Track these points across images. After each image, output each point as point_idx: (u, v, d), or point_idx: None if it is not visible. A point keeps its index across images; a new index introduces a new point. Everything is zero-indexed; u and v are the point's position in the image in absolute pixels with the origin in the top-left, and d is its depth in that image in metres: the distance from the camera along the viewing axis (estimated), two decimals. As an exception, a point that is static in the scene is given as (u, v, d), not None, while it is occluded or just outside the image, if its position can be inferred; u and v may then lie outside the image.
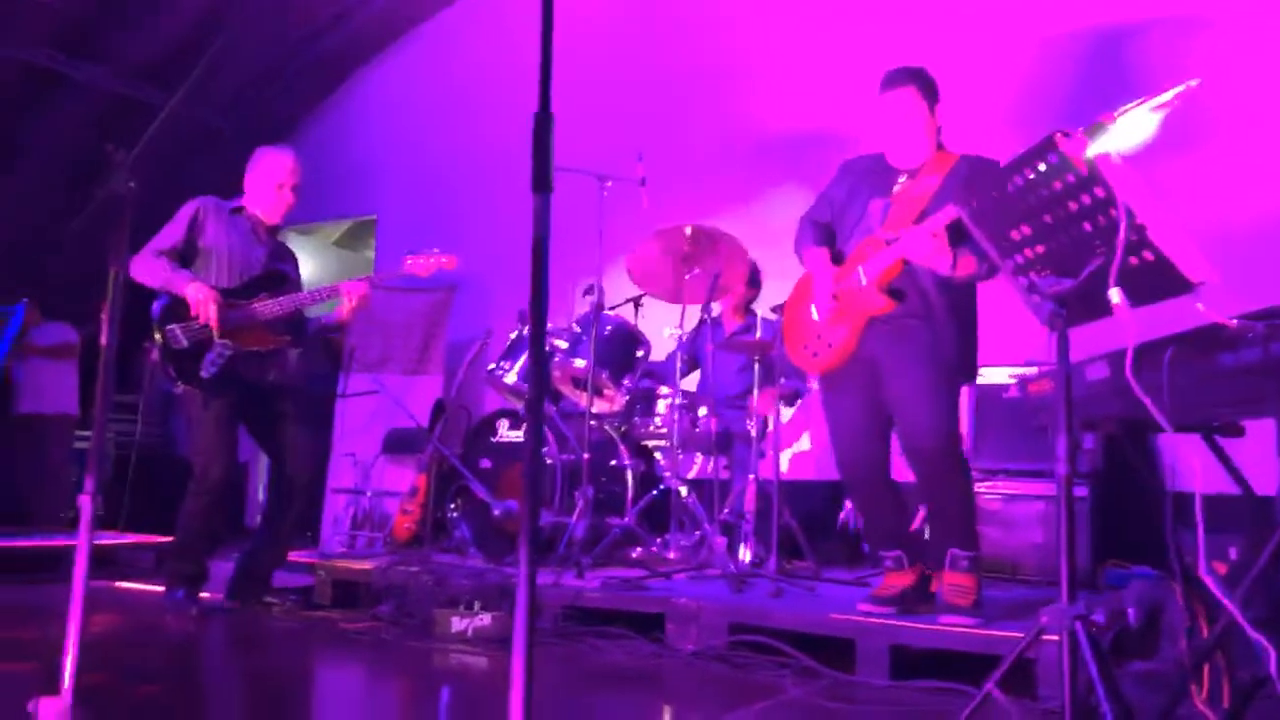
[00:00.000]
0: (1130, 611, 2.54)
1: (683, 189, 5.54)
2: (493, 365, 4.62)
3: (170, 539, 3.96)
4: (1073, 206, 1.78)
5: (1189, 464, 1.84)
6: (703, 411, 4.39)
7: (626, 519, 4.18)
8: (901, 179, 3.10)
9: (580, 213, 4.20)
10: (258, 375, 3.78)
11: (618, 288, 4.70)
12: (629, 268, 4.15)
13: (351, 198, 7.89)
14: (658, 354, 4.68)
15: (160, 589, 3.82)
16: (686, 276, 4.05)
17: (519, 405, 4.76)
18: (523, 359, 4.44)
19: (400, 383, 6.43)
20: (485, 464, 4.57)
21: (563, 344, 4.44)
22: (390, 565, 3.92)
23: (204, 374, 3.61)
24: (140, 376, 7.03)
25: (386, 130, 7.81)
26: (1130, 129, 1.83)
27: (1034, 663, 2.49)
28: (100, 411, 1.95)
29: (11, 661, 3.00)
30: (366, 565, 4.02)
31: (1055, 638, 1.74)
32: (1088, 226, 1.77)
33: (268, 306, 3.74)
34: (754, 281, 4.76)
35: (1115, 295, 1.71)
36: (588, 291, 4.34)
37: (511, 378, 4.51)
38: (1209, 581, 1.70)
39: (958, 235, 2.75)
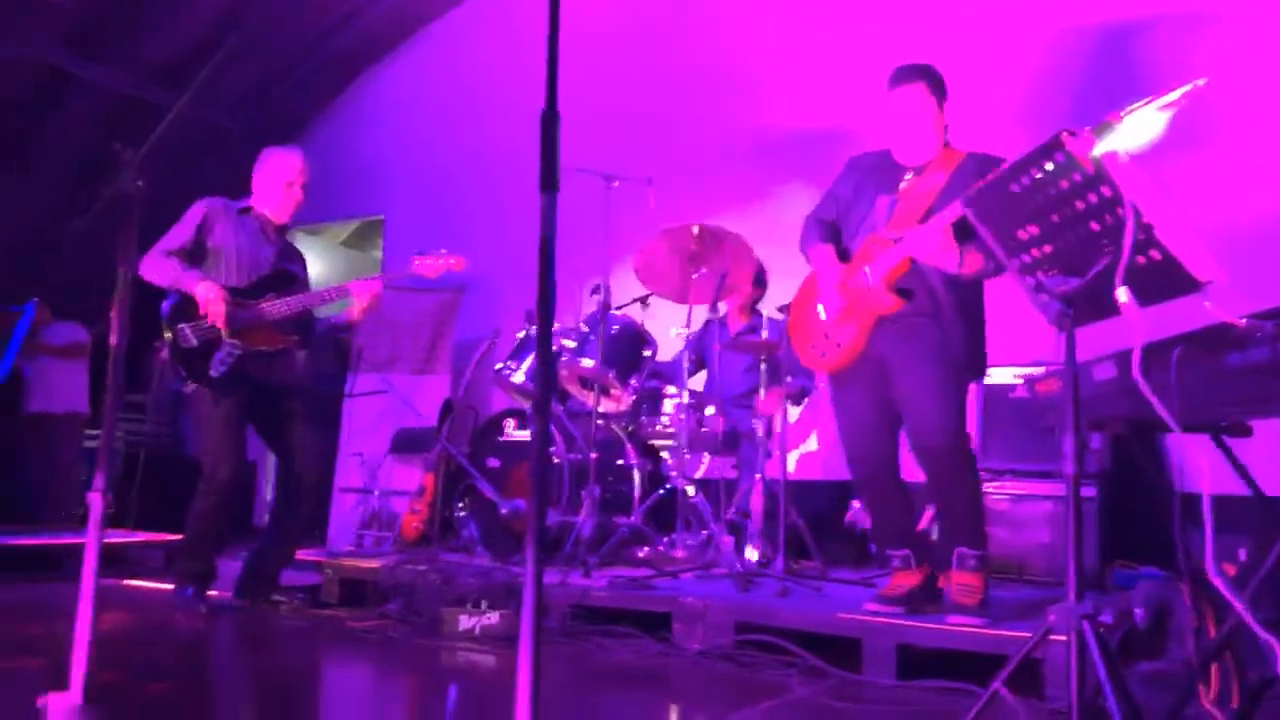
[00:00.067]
0: (1138, 611, 2.53)
1: (690, 188, 5.55)
2: (500, 365, 4.62)
3: (179, 537, 3.98)
4: (1080, 205, 1.78)
5: (1197, 464, 1.84)
6: (710, 411, 4.39)
7: (633, 518, 4.19)
8: (908, 176, 3.09)
9: (587, 212, 4.20)
10: (266, 375, 3.79)
11: (625, 287, 4.70)
12: (636, 267, 4.16)
13: (359, 198, 7.91)
14: (665, 354, 4.68)
15: (169, 587, 3.84)
16: (694, 276, 4.05)
17: (526, 405, 4.76)
18: (530, 358, 4.45)
19: (408, 382, 6.45)
20: (493, 463, 4.58)
21: (570, 343, 4.45)
22: (398, 564, 3.93)
23: (213, 373, 3.62)
24: (149, 375, 7.06)
25: (394, 130, 7.83)
26: (1137, 128, 1.83)
27: (1041, 663, 2.49)
28: (110, 410, 1.96)
29: (22, 658, 3.02)
30: (374, 564, 4.03)
31: (1063, 638, 1.73)
32: (1095, 225, 1.77)
33: (276, 306, 3.75)
34: (760, 281, 4.77)
35: (1123, 294, 1.71)
36: (595, 291, 4.34)
37: (519, 377, 4.51)
38: (1217, 582, 1.69)
39: (965, 232, 2.74)
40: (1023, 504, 4.01)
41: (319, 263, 7.73)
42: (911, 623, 2.85)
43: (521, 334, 4.67)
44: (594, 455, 4.05)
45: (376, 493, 6.10)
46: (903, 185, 3.08)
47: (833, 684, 2.69)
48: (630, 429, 4.66)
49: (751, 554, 4.01)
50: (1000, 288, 3.10)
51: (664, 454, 4.83)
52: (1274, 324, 1.65)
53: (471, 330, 6.37)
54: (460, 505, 4.65)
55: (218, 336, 3.63)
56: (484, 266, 4.96)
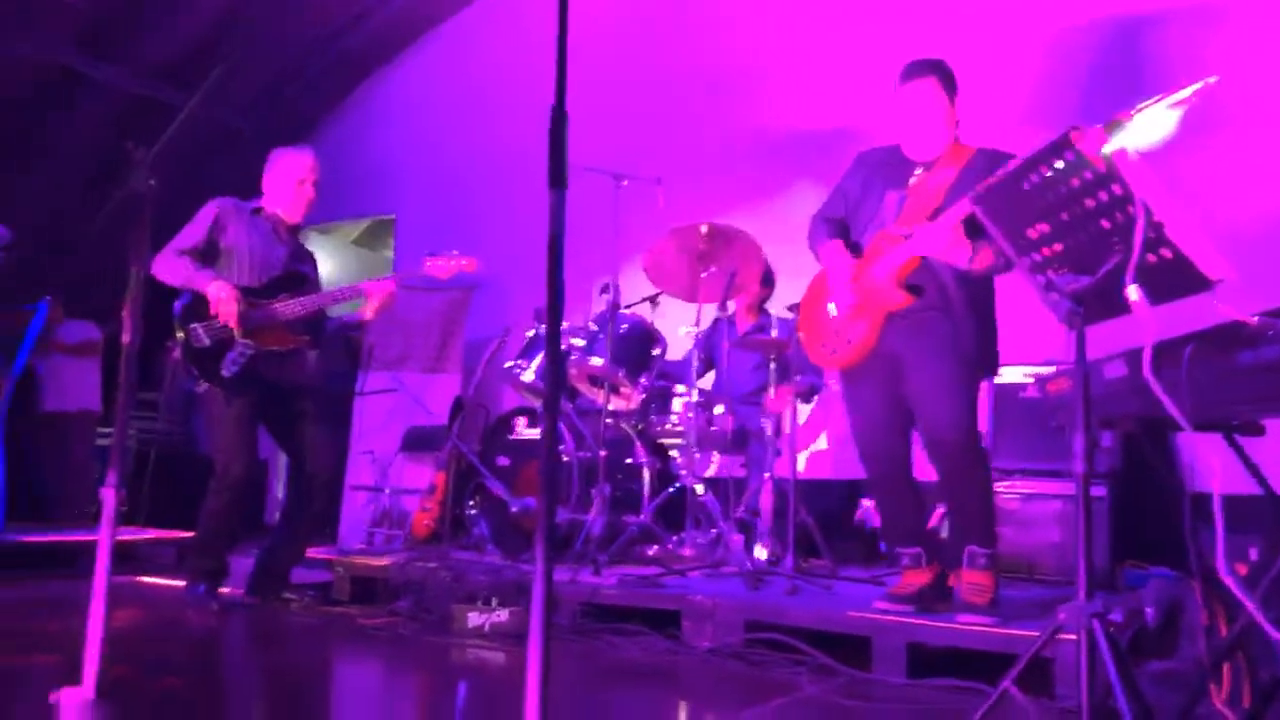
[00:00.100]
0: (1149, 611, 2.52)
1: (699, 187, 5.54)
2: (510, 363, 4.64)
3: (191, 535, 4.00)
4: (1090, 203, 1.77)
5: (1208, 463, 1.83)
6: (719, 410, 4.39)
7: (643, 516, 4.19)
8: (917, 171, 3.09)
9: (597, 212, 4.21)
10: (278, 374, 3.81)
11: (634, 286, 4.71)
12: (645, 266, 4.16)
13: (370, 197, 7.94)
14: (674, 353, 4.69)
15: (181, 584, 3.86)
16: (703, 275, 4.06)
17: (536, 403, 4.77)
18: (540, 357, 4.46)
19: (419, 381, 6.47)
20: (503, 461, 4.59)
21: (580, 342, 4.46)
22: (408, 561, 3.94)
23: (225, 373, 3.64)
24: (162, 374, 7.10)
25: (405, 130, 7.85)
26: (1148, 126, 1.83)
27: (1052, 662, 2.48)
28: (122, 407, 1.98)
29: (36, 654, 3.04)
30: (384, 561, 4.05)
31: (1072, 636, 1.73)
32: (1105, 224, 1.77)
33: (289, 306, 3.76)
34: (767, 280, 4.77)
35: (1133, 293, 1.70)
36: (604, 290, 4.35)
37: (529, 375, 4.53)
38: (1228, 580, 1.69)
39: (975, 228, 2.74)
40: (1033, 503, 4.00)
41: (330, 262, 7.76)
42: (921, 621, 2.84)
43: (531, 332, 4.68)
44: (603, 453, 4.05)
45: (387, 491, 6.12)
46: (912, 181, 3.08)
47: (842, 682, 2.69)
48: (640, 427, 4.66)
49: (761, 552, 4.01)
50: (1010, 287, 3.09)
51: (673, 452, 4.84)
52: (1286, 322, 1.64)
53: (482, 329, 6.38)
54: (471, 503, 4.66)
55: (230, 336, 3.65)
56: (494, 265, 4.97)
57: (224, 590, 3.79)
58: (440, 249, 3.93)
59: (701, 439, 4.33)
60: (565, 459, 4.32)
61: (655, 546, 4.25)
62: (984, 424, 4.01)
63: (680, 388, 4.58)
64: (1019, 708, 1.92)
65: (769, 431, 4.20)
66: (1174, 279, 1.70)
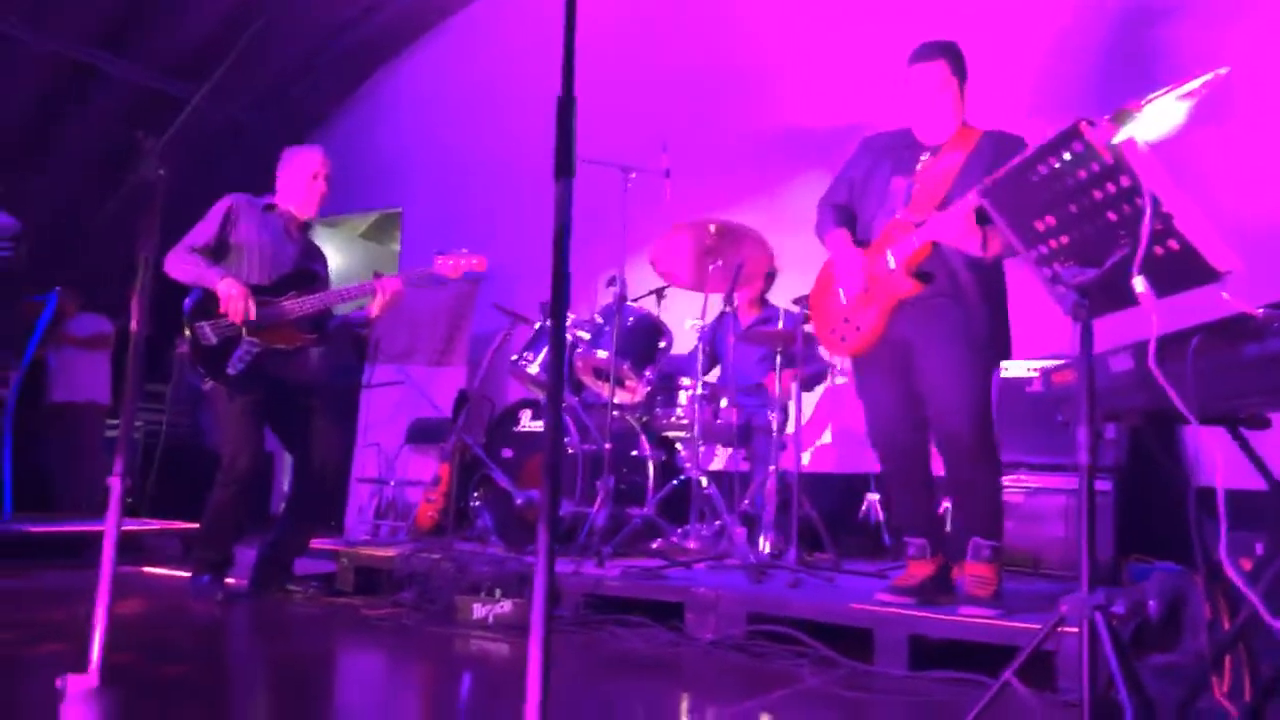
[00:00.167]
0: (1151, 604, 2.52)
1: (706, 181, 5.54)
2: (516, 356, 4.65)
3: (196, 526, 4.01)
4: (1098, 195, 1.76)
5: (1212, 457, 1.83)
6: (724, 403, 4.39)
7: (647, 509, 4.20)
8: (924, 156, 3.07)
9: (604, 205, 4.21)
10: (283, 372, 3.81)
11: (641, 279, 4.71)
12: (652, 259, 4.17)
13: (378, 190, 7.95)
14: (680, 347, 4.69)
15: (186, 575, 3.88)
16: (710, 268, 4.06)
17: (542, 395, 4.78)
18: (546, 350, 4.46)
19: (425, 373, 6.49)
20: (507, 454, 4.60)
21: (585, 335, 4.46)
22: (412, 553, 3.95)
23: (230, 370, 3.64)
24: (170, 367, 7.13)
25: (413, 123, 7.85)
26: (1157, 117, 1.82)
27: (1054, 654, 2.48)
28: (130, 395, 1.98)
29: (43, 642, 3.06)
30: (389, 552, 4.06)
31: (1075, 629, 1.73)
32: (1112, 216, 1.76)
33: (297, 304, 3.76)
34: (769, 273, 4.77)
35: (1140, 284, 1.70)
36: (610, 283, 4.35)
37: (535, 368, 4.54)
38: (1231, 574, 1.68)
39: (986, 215, 2.73)
40: (1038, 498, 3.99)
41: (338, 255, 7.77)
42: (923, 613, 2.84)
43: (537, 325, 4.69)
44: (608, 446, 4.06)
45: (392, 483, 6.15)
46: (919, 167, 3.06)
47: (844, 674, 2.70)
48: (644, 420, 4.66)
49: (764, 546, 4.01)
50: (1017, 282, 3.08)
51: (678, 445, 4.84)
52: (1292, 314, 1.64)
53: (488, 322, 6.39)
54: (475, 495, 4.67)
55: (237, 334, 3.66)
56: (501, 259, 4.97)
57: (229, 581, 3.80)
58: (447, 243, 3.95)
59: (706, 432, 4.33)
60: (570, 451, 4.32)
61: (659, 539, 4.26)
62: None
63: (685, 380, 4.59)
64: (1021, 700, 1.91)
65: (774, 425, 4.20)
66: (1181, 271, 1.70)
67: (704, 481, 4.08)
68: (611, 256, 4.30)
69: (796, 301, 4.03)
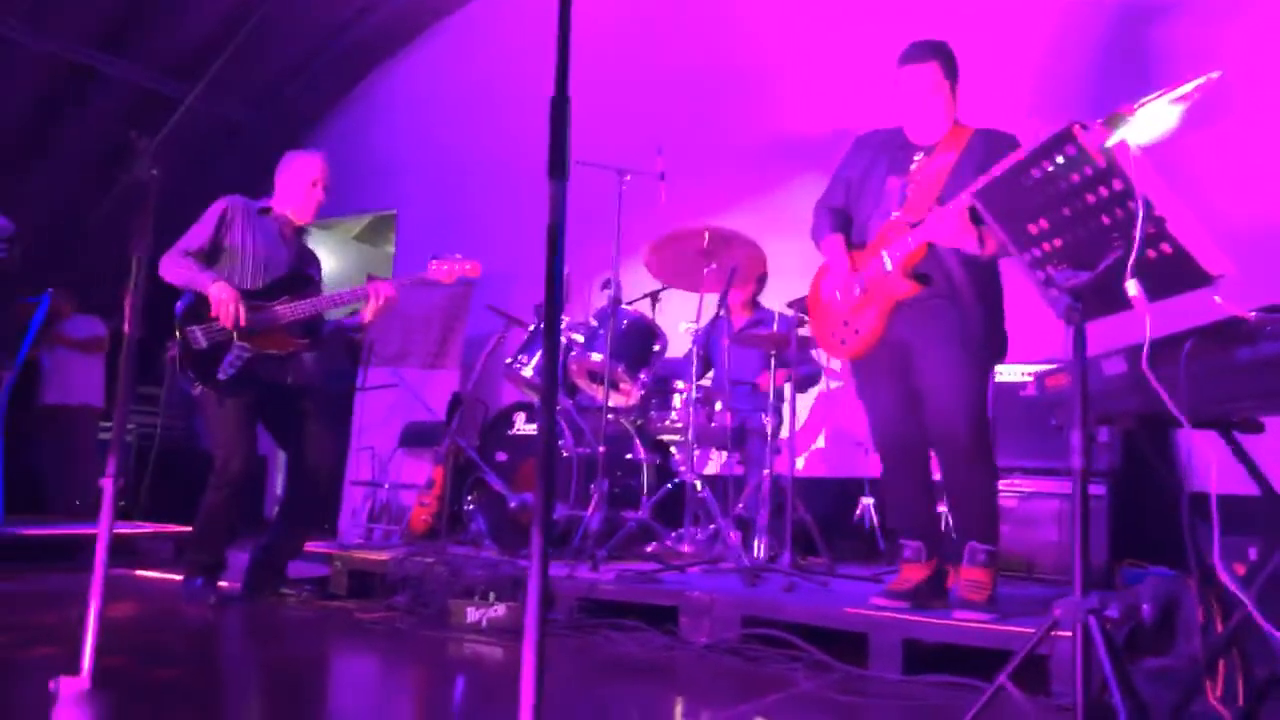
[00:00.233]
0: (1145, 608, 2.52)
1: (701, 184, 5.54)
2: (510, 359, 4.64)
3: (189, 529, 4.00)
4: (1090, 199, 1.77)
5: (1206, 462, 1.83)
6: (718, 406, 4.39)
7: (641, 513, 4.19)
8: (917, 157, 3.08)
9: (599, 207, 4.21)
10: (275, 376, 3.80)
11: (636, 282, 4.71)
12: (647, 261, 4.17)
13: (372, 192, 7.94)
14: (674, 350, 4.69)
15: (179, 578, 3.87)
16: (704, 271, 4.07)
17: (536, 398, 4.77)
18: (540, 353, 4.46)
19: (418, 376, 6.47)
20: (501, 457, 4.59)
21: (579, 338, 4.46)
22: (406, 556, 3.94)
23: (221, 375, 3.63)
24: (164, 370, 7.11)
25: (408, 125, 7.85)
26: (1150, 121, 1.82)
27: (1048, 658, 2.48)
28: (123, 396, 1.98)
29: (36, 645, 3.04)
30: (382, 556, 4.05)
31: (1069, 633, 1.73)
32: (1106, 219, 1.76)
33: (289, 310, 3.75)
34: (760, 276, 4.78)
35: (1132, 288, 1.70)
36: (605, 286, 4.35)
37: (529, 371, 4.53)
38: (1225, 578, 1.68)
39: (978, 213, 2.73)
40: (1031, 502, 4.00)
41: (331, 258, 7.76)
42: (918, 618, 2.84)
43: (532, 328, 4.68)
44: (602, 449, 4.05)
45: (386, 486, 6.13)
46: (913, 167, 3.07)
47: (838, 678, 2.69)
48: (639, 423, 4.66)
49: (759, 549, 4.01)
50: (1011, 287, 3.09)
51: (672, 449, 4.84)
52: (1285, 318, 1.64)
53: (482, 325, 6.39)
54: (469, 499, 4.66)
55: (228, 339, 3.64)
56: (495, 262, 4.97)
57: (222, 584, 3.79)
58: (442, 246, 3.95)
59: (701, 436, 4.33)
60: (564, 455, 4.32)
61: (653, 543, 4.25)
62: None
63: (680, 383, 4.59)
64: (1015, 704, 1.91)
65: (768, 429, 4.20)
66: (1174, 274, 1.70)
67: (699, 485, 4.08)
68: (606, 259, 4.30)
69: (792, 304, 4.04)
